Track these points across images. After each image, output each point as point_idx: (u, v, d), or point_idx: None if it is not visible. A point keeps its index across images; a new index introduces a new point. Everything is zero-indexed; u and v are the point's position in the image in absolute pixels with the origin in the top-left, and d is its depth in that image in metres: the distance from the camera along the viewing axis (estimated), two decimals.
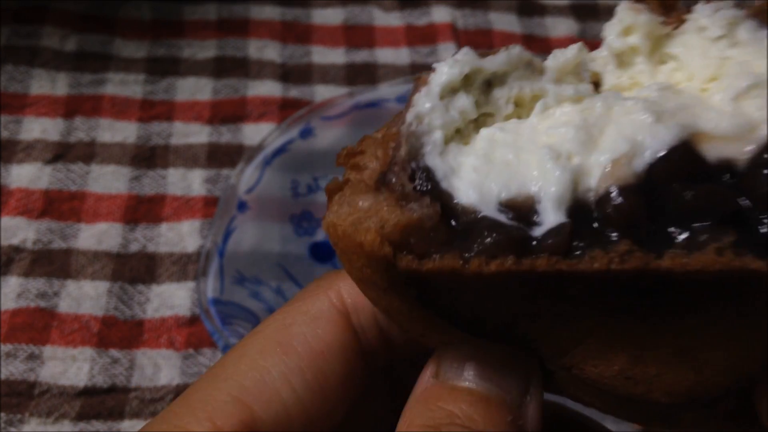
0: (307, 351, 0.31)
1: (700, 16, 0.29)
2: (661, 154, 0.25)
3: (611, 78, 0.30)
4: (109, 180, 0.66)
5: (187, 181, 0.67)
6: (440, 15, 0.81)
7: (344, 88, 0.74)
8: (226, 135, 0.70)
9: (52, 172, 0.66)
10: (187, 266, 0.62)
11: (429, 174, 0.27)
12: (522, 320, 0.27)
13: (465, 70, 0.28)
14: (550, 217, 0.25)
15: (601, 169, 0.25)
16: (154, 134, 0.70)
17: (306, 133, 0.67)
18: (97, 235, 0.63)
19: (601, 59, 0.31)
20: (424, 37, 0.80)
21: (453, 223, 0.26)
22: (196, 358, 0.57)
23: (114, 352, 0.57)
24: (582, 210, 0.25)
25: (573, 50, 0.30)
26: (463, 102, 0.28)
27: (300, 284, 0.60)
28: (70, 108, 0.71)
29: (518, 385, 0.28)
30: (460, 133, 0.28)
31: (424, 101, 0.28)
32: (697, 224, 0.24)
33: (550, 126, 0.27)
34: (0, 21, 0.75)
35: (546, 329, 0.27)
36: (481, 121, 0.29)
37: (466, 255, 0.25)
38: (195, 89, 0.73)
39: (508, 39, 0.80)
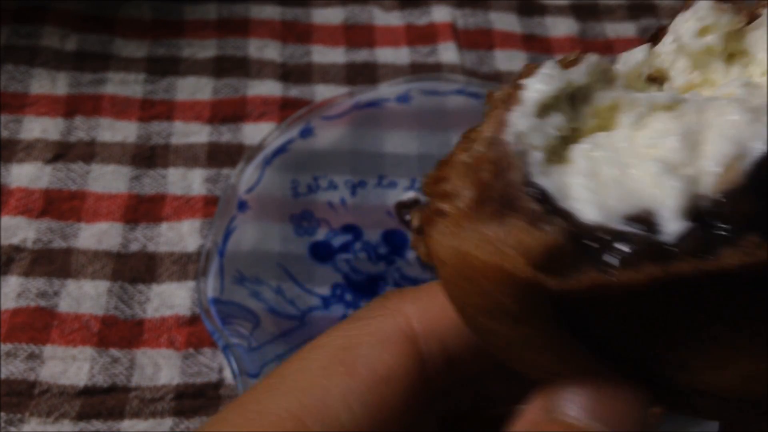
0: (370, 375, 0.30)
1: None
2: (767, 151, 0.25)
3: (682, 76, 0.30)
4: (109, 179, 0.66)
5: (187, 181, 0.67)
6: (440, 15, 0.81)
7: (344, 88, 0.74)
8: (226, 135, 0.70)
9: (52, 172, 0.66)
10: (187, 266, 0.62)
11: (545, 195, 0.26)
12: (651, 338, 0.27)
13: (559, 85, 0.27)
14: (676, 226, 0.24)
15: (712, 174, 0.25)
16: (154, 134, 0.70)
17: (306, 133, 0.67)
18: (97, 235, 0.63)
19: (666, 54, 0.30)
20: (424, 36, 0.80)
21: (585, 240, 0.25)
22: (197, 358, 0.57)
23: (114, 352, 0.57)
24: (703, 215, 0.25)
25: (641, 52, 0.30)
26: (558, 119, 0.27)
27: (300, 284, 0.60)
28: (70, 108, 0.71)
29: (634, 425, 0.27)
30: (555, 153, 0.27)
31: (523, 120, 0.27)
32: None
33: (649, 137, 0.27)
34: (0, 21, 0.75)
35: (672, 344, 0.27)
36: (570, 139, 0.28)
37: (610, 268, 0.24)
38: (195, 89, 0.73)
39: (508, 39, 0.81)
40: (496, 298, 0.26)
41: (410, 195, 0.65)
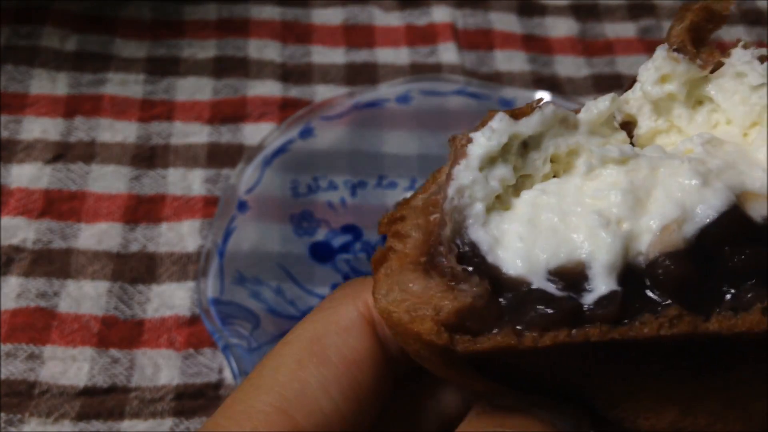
0: (341, 361, 0.32)
1: (737, 61, 0.29)
2: (711, 219, 0.25)
3: (647, 122, 0.30)
4: (109, 180, 0.66)
5: (187, 181, 0.67)
6: (440, 15, 0.81)
7: (344, 88, 0.74)
8: (226, 135, 0.70)
9: (52, 172, 0.66)
10: (187, 266, 0.62)
11: (474, 249, 0.27)
12: (575, 378, 0.28)
13: (503, 140, 0.28)
14: (601, 283, 0.25)
15: (650, 234, 0.25)
16: (154, 134, 0.70)
17: (306, 133, 0.67)
18: (97, 235, 0.63)
19: (635, 101, 0.31)
20: (424, 37, 0.80)
21: (503, 299, 0.26)
22: (196, 358, 0.57)
23: (114, 352, 0.57)
24: (632, 275, 0.25)
25: (605, 102, 0.30)
26: (503, 171, 0.28)
27: (300, 284, 0.60)
28: (70, 108, 0.71)
29: (569, 423, 0.29)
30: (500, 199, 0.28)
31: (465, 174, 0.28)
32: (745, 284, 0.24)
33: (596, 189, 0.27)
34: (0, 21, 0.75)
35: (598, 385, 0.28)
36: (519, 183, 0.29)
37: (520, 330, 0.25)
38: (195, 89, 0.73)
39: (508, 39, 0.81)
40: (416, 349, 0.28)
41: (410, 195, 0.65)
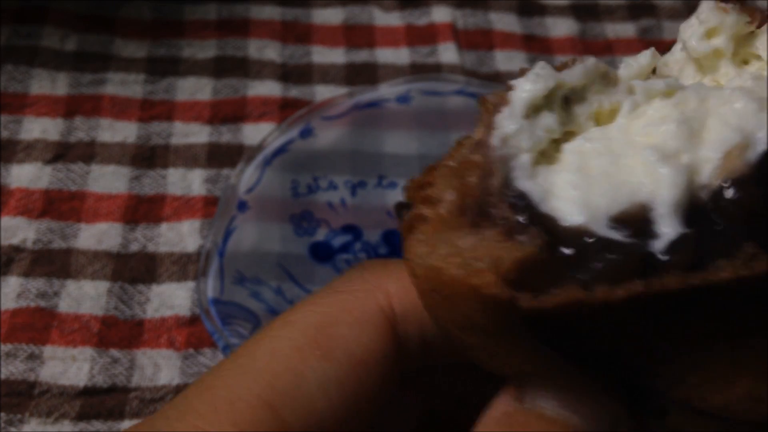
0: (348, 358, 0.28)
1: None
2: None
3: (690, 82, 0.28)
4: (109, 180, 0.66)
5: (187, 181, 0.67)
6: (440, 15, 0.81)
7: (344, 88, 0.74)
8: (226, 135, 0.70)
9: (52, 172, 0.66)
10: (187, 266, 0.62)
11: (525, 200, 0.24)
12: (636, 349, 0.25)
13: (549, 84, 0.26)
14: (668, 225, 0.23)
15: (712, 164, 0.24)
16: (154, 134, 0.70)
17: (306, 133, 0.67)
18: (97, 235, 0.63)
19: (675, 62, 0.29)
20: (424, 37, 0.80)
21: (565, 250, 0.23)
22: (196, 358, 0.57)
23: (114, 352, 0.57)
24: (698, 211, 0.23)
25: (646, 56, 0.28)
26: (549, 120, 0.26)
27: (300, 284, 0.60)
28: (70, 108, 0.71)
29: (607, 421, 0.26)
30: (544, 154, 0.26)
31: (509, 122, 0.26)
32: None
33: (644, 125, 0.25)
34: (0, 21, 0.75)
35: (662, 359, 0.25)
36: (562, 140, 0.27)
37: (587, 284, 0.22)
38: (195, 89, 0.73)
39: (508, 39, 0.81)
40: (466, 313, 0.25)
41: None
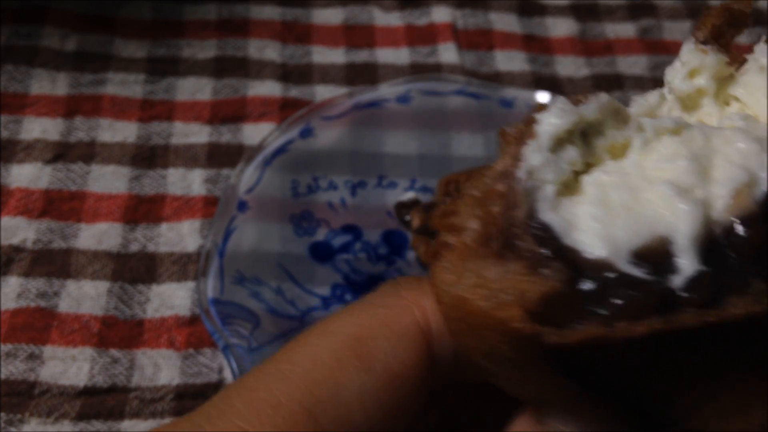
0: (386, 371, 0.28)
1: (760, 56, 0.29)
2: None
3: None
4: (109, 180, 0.66)
5: (187, 181, 0.67)
6: (440, 15, 0.81)
7: (344, 88, 0.74)
8: (226, 135, 0.70)
9: (52, 172, 0.66)
10: (187, 266, 0.62)
11: (548, 232, 0.25)
12: (653, 380, 0.26)
13: (572, 119, 0.27)
14: (686, 259, 0.24)
15: (723, 201, 0.24)
16: (154, 134, 0.70)
17: (306, 133, 0.67)
18: (97, 235, 0.63)
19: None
20: (424, 37, 0.80)
21: (587, 284, 0.24)
22: (196, 358, 0.57)
23: (114, 352, 0.57)
24: (713, 246, 0.24)
25: (655, 96, 0.29)
26: (572, 153, 0.27)
27: (300, 284, 0.60)
28: (70, 108, 0.71)
29: None
30: (566, 186, 0.27)
31: (536, 155, 0.26)
32: None
33: (657, 160, 0.26)
34: (0, 21, 0.75)
35: (679, 388, 0.26)
36: (580, 172, 0.27)
37: (609, 319, 0.23)
38: (195, 89, 0.73)
39: (508, 39, 0.81)
40: (490, 342, 0.25)
41: (410, 195, 0.65)
